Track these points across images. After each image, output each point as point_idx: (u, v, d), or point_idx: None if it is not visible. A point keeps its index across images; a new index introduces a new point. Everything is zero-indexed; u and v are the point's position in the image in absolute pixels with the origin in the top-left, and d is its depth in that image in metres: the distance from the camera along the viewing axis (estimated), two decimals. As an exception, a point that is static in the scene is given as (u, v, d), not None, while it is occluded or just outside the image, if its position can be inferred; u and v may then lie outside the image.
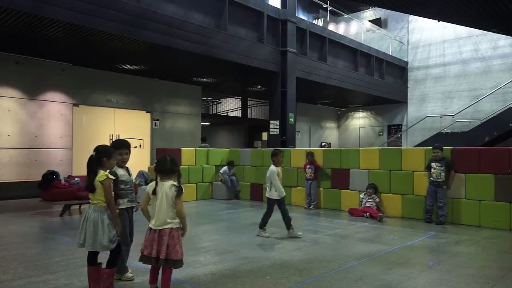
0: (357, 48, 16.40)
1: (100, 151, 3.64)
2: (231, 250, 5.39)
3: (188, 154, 10.56)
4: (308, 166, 9.27)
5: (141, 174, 9.81)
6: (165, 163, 3.61)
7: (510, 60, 16.52)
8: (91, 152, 3.67)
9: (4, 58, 10.50)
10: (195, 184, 10.64)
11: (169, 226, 3.52)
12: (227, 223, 7.31)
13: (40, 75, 11.14)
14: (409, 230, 7.00)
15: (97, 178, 3.54)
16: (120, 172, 4.04)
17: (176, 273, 4.37)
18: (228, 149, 11.91)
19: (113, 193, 3.66)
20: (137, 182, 9.38)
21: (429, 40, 18.79)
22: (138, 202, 4.43)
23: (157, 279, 3.65)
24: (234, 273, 4.43)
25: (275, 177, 6.05)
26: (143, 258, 3.60)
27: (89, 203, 3.69)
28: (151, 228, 3.59)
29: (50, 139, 11.32)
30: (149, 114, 13.79)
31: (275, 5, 12.93)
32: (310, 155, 9.32)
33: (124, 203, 4.07)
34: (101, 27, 8.51)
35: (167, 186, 3.55)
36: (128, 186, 4.13)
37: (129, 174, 4.21)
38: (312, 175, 9.19)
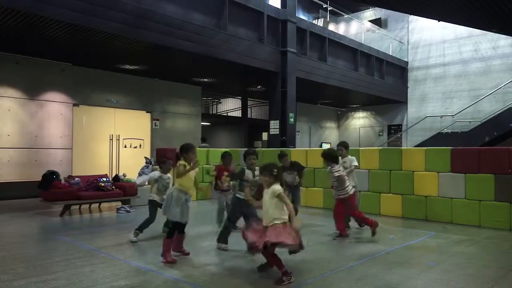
0: (357, 48, 16.39)
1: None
2: (231, 250, 5.39)
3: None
4: (226, 174, 6.79)
5: (141, 173, 9.74)
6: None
7: (510, 60, 16.52)
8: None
9: (4, 58, 10.49)
10: (195, 184, 10.60)
11: None
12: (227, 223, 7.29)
13: (40, 75, 11.14)
14: (409, 230, 7.00)
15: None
16: (247, 172, 5.38)
17: (176, 273, 4.38)
18: (228, 149, 11.89)
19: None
20: (138, 183, 9.33)
21: (429, 40, 18.79)
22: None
23: None
24: (234, 273, 4.43)
25: None
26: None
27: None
28: None
29: (50, 139, 11.32)
30: (149, 114, 13.79)
31: (275, 5, 12.91)
32: (227, 157, 6.80)
33: (241, 195, 5.37)
34: (101, 27, 8.50)
35: None
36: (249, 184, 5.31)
37: (253, 176, 5.37)
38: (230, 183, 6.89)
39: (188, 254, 5.07)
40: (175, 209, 4.81)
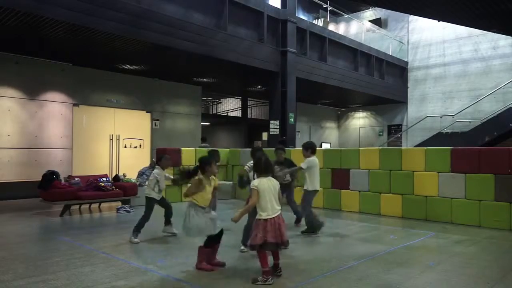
0: (357, 48, 16.39)
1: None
2: (231, 250, 5.39)
3: (188, 154, 10.55)
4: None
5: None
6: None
7: (510, 60, 16.52)
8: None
9: (4, 58, 10.49)
10: (195, 184, 10.59)
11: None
12: (227, 223, 7.29)
13: (40, 75, 11.13)
14: (409, 230, 7.00)
15: None
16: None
17: (176, 273, 4.38)
18: (228, 149, 11.91)
19: None
20: (137, 183, 9.35)
21: (429, 40, 18.79)
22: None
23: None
24: (234, 273, 4.42)
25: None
26: (269, 245, 4.05)
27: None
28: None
29: (50, 139, 11.31)
30: (149, 114, 13.79)
31: (275, 5, 12.92)
32: (217, 155, 6.47)
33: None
34: (101, 27, 8.50)
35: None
36: None
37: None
38: None
39: (223, 265, 4.58)
40: (199, 224, 4.47)
